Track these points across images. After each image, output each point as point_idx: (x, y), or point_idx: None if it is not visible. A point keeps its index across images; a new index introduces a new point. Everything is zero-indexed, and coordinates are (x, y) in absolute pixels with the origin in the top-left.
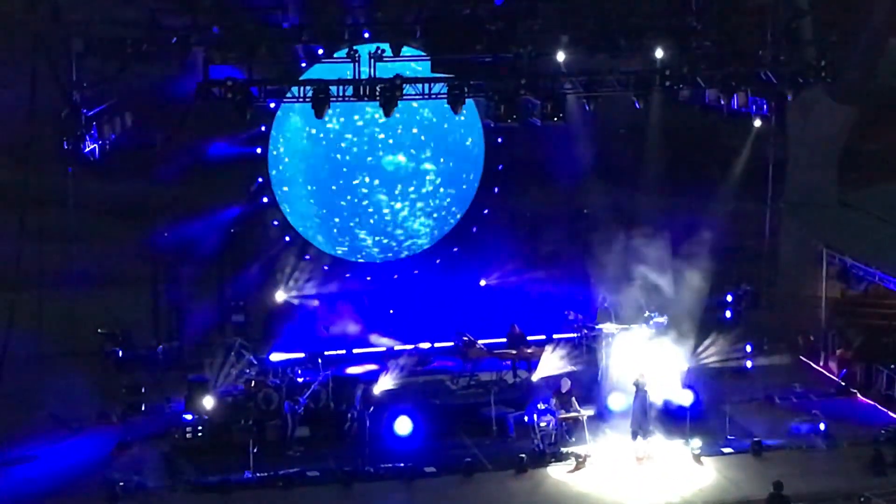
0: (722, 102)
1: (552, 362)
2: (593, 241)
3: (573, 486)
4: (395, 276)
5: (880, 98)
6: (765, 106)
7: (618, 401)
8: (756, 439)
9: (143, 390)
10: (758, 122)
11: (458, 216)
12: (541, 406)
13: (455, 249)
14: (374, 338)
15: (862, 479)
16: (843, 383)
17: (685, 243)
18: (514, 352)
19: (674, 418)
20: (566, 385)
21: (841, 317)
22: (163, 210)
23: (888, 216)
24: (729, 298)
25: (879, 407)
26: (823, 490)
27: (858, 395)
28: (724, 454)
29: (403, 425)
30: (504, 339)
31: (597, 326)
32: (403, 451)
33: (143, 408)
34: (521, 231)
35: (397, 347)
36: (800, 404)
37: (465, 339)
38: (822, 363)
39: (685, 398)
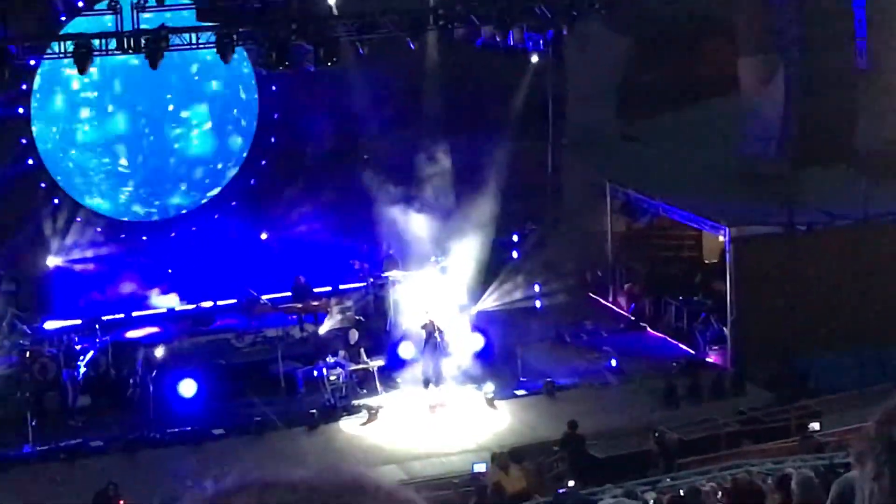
0: (498, 40)
1: (339, 314)
2: (374, 188)
3: (366, 438)
4: (173, 234)
5: (654, 27)
6: (541, 41)
7: (408, 349)
8: (549, 380)
9: None
10: (535, 58)
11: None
12: (330, 359)
13: (233, 203)
14: (153, 299)
15: (656, 412)
16: (633, 318)
17: (468, 184)
18: (299, 305)
19: (466, 363)
20: (354, 336)
21: (627, 251)
22: None
23: (667, 147)
24: (515, 238)
25: (669, 339)
26: (618, 426)
27: (648, 328)
28: (517, 397)
29: (188, 388)
30: (289, 293)
31: (383, 274)
32: (190, 414)
33: None
34: (301, 181)
35: (178, 308)
36: (591, 341)
37: (249, 294)
38: (611, 298)
39: (476, 342)
